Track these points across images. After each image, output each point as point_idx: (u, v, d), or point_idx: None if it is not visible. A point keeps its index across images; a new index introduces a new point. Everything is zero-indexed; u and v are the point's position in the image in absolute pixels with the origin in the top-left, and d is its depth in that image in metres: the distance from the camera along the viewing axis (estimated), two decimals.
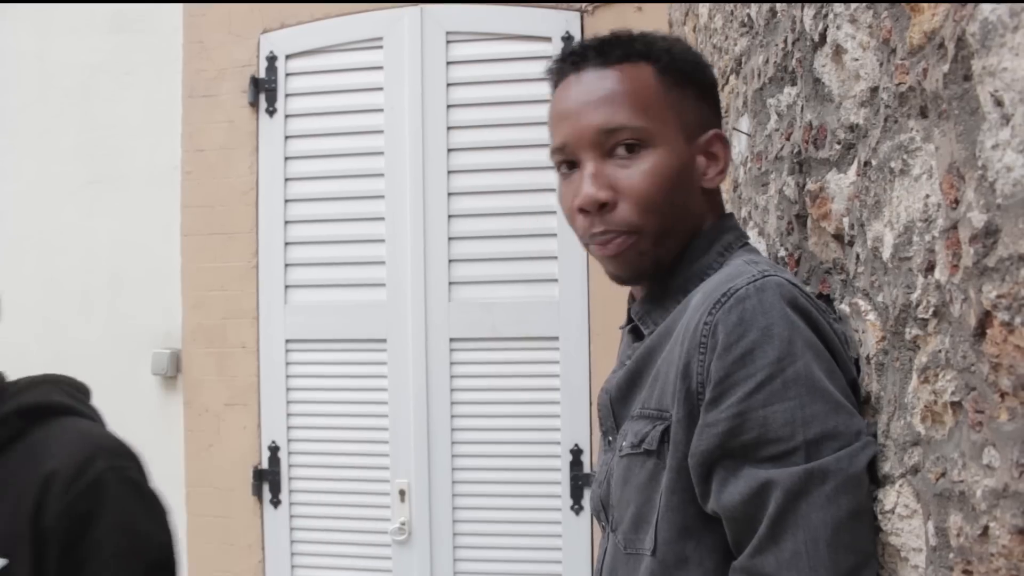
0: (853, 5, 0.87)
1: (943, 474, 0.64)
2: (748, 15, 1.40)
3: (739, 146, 1.52)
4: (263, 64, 2.78)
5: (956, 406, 0.62)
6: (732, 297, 0.73)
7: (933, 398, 0.66)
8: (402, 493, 2.64)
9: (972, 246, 0.57)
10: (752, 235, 1.40)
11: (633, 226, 0.85)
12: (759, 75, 1.32)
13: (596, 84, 0.87)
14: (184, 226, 2.86)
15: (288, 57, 2.77)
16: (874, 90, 0.81)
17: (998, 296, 0.53)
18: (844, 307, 0.91)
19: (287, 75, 2.77)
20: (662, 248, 0.88)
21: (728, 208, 1.64)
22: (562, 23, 2.60)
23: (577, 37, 2.59)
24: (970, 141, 0.57)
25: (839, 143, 0.91)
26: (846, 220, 0.90)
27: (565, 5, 2.62)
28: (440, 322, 2.65)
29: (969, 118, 0.58)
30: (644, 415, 0.84)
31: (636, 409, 0.87)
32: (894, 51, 0.74)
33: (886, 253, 0.76)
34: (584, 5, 2.60)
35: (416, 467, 2.64)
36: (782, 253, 1.21)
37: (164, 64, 2.88)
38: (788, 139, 1.15)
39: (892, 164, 0.75)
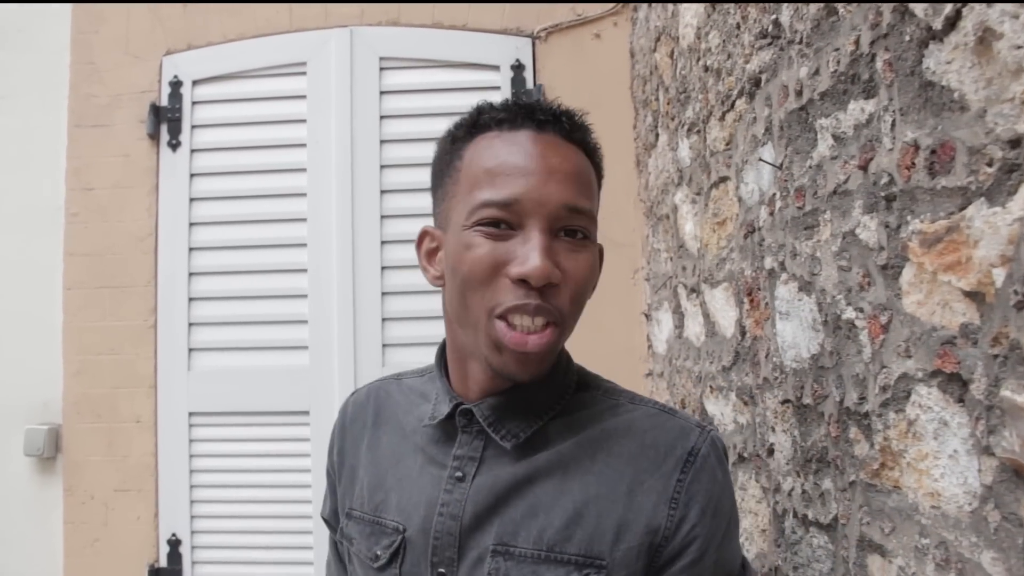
0: None
1: None
2: (774, 21, 1.16)
3: (756, 183, 1.25)
4: (165, 90, 2.56)
5: None
6: (698, 456, 0.81)
7: None
8: None
9: None
10: (788, 290, 1.13)
11: (562, 316, 0.80)
12: (799, 92, 1.08)
13: (563, 154, 0.81)
14: (67, 278, 2.60)
15: (195, 83, 2.56)
16: None
17: None
18: (1009, 394, 0.65)
19: (194, 103, 2.56)
20: (558, 351, 0.87)
21: (734, 258, 1.39)
22: (511, 50, 2.42)
23: (528, 65, 2.47)
24: None
25: (990, 164, 0.67)
26: (1000, 272, 0.66)
27: (515, 30, 2.44)
28: None
29: None
30: (556, 559, 0.79)
31: (523, 545, 0.80)
32: None
33: None
34: (536, 31, 2.39)
35: None
36: (849, 314, 0.95)
37: (48, 88, 2.64)
38: (863, 168, 0.90)
39: None
